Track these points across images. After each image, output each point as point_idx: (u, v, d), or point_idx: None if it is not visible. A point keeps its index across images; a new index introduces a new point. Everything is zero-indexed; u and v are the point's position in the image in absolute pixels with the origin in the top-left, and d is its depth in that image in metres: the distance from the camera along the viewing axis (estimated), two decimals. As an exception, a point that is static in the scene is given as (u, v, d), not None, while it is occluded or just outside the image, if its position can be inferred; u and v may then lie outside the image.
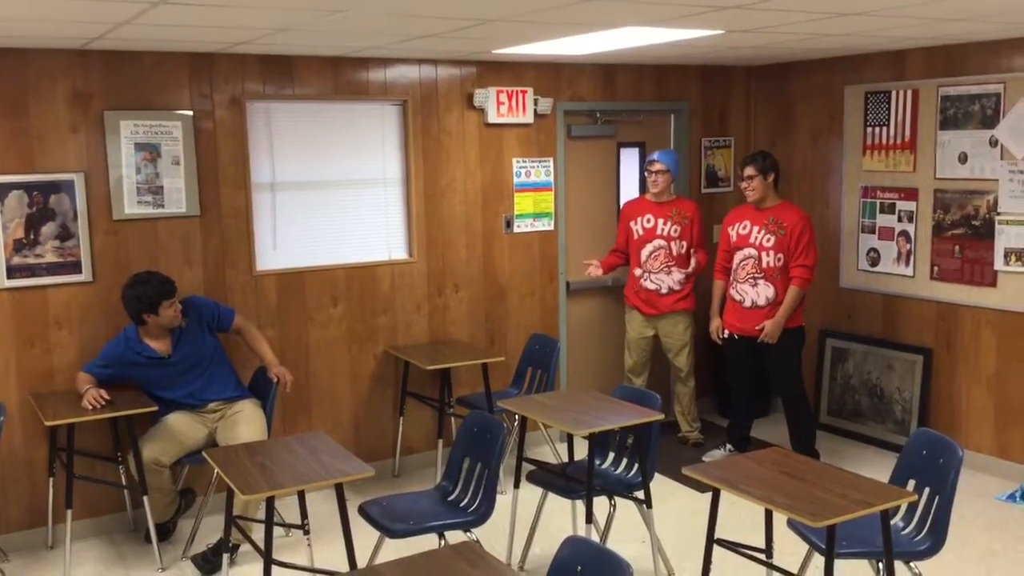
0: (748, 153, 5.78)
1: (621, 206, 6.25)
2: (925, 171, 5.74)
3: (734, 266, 5.62)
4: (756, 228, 5.50)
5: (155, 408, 4.60)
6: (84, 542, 4.87)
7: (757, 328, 5.48)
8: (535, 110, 5.96)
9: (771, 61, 6.48)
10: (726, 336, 5.70)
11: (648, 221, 5.92)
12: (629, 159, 6.60)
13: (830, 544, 3.19)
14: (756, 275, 5.48)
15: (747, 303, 5.53)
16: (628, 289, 6.10)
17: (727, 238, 5.68)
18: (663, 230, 5.90)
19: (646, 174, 5.99)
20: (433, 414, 5.72)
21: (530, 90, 5.93)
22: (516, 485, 4.41)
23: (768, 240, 5.44)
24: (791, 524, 3.66)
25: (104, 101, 4.83)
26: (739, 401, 5.88)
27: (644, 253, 5.94)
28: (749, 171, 5.48)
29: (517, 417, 4.68)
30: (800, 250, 5.39)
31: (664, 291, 5.94)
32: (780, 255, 5.42)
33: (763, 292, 5.47)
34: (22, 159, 4.69)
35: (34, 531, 4.86)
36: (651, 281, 5.94)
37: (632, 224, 5.97)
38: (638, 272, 5.99)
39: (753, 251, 5.49)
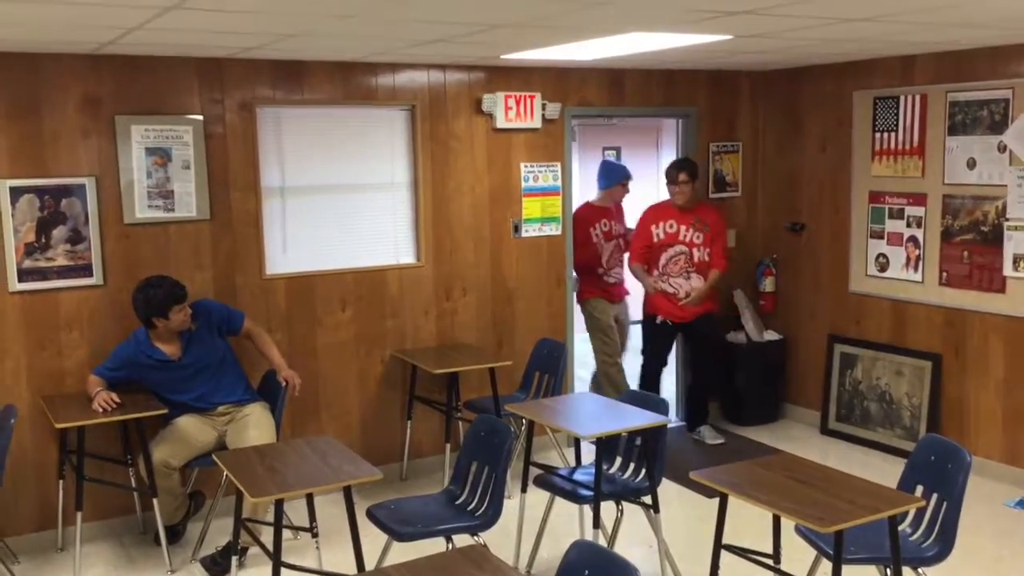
0: (676, 160, 6.28)
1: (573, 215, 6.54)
2: (934, 177, 5.74)
3: (663, 262, 6.16)
4: (684, 227, 6.11)
5: (165, 411, 4.63)
6: (94, 544, 4.89)
7: (684, 299, 6.10)
8: (543, 115, 5.97)
9: (780, 67, 6.48)
10: (659, 322, 6.22)
11: (605, 226, 6.54)
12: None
13: (838, 550, 3.19)
14: (689, 269, 6.13)
15: (681, 294, 6.14)
16: (589, 285, 6.53)
17: (648, 234, 6.19)
18: (616, 231, 6.61)
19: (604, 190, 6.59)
20: (441, 418, 5.73)
21: (538, 95, 5.94)
22: (523, 489, 4.42)
23: (698, 237, 6.10)
24: (799, 530, 3.66)
25: (115, 106, 4.86)
26: (653, 379, 6.39)
27: (605, 254, 6.53)
28: (683, 177, 6.07)
29: (524, 421, 4.68)
30: (721, 244, 6.15)
31: (620, 282, 6.68)
32: (708, 249, 6.10)
33: (696, 284, 6.12)
34: (34, 163, 4.72)
35: (44, 533, 4.88)
36: (611, 276, 6.60)
37: (592, 231, 6.48)
38: (601, 271, 6.53)
39: (684, 248, 6.11)
